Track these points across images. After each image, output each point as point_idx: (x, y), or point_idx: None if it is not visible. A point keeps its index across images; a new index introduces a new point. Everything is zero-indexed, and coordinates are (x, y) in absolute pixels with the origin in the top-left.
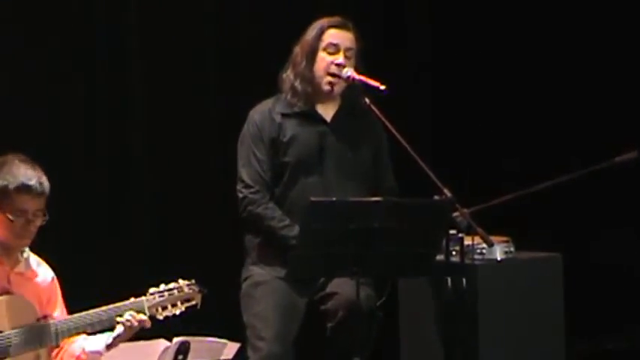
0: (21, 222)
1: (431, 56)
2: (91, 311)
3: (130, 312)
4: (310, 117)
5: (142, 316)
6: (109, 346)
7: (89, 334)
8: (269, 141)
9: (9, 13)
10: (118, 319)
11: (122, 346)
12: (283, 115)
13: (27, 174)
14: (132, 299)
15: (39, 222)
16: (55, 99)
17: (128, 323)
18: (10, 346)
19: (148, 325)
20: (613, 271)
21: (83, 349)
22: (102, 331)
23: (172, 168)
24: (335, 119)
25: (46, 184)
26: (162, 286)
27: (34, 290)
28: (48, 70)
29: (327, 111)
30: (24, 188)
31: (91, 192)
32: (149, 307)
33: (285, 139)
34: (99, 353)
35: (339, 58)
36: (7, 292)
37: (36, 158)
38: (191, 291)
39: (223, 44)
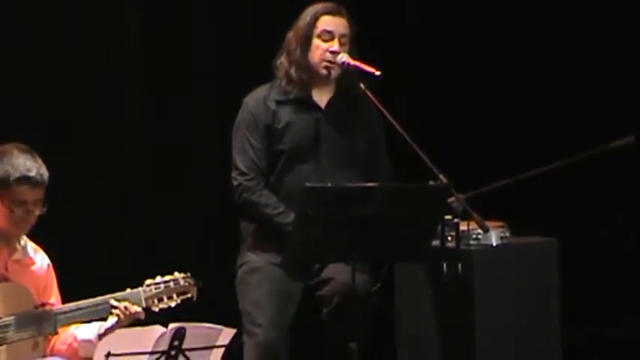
0: (20, 212)
1: (425, 40)
2: (89, 300)
3: (126, 302)
4: (305, 104)
5: (136, 308)
6: (100, 336)
7: (83, 323)
8: (264, 128)
9: (9, 12)
10: (113, 310)
11: (118, 332)
12: (278, 102)
13: (27, 165)
14: (128, 290)
15: (38, 211)
16: (54, 98)
17: (121, 312)
18: (8, 332)
19: (142, 317)
20: (610, 258)
21: (75, 337)
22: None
23: (168, 155)
24: (330, 106)
25: (46, 174)
26: (159, 278)
27: (32, 277)
28: (49, 70)
29: (321, 97)
30: (24, 179)
31: (89, 182)
32: (146, 299)
33: (279, 127)
34: (90, 342)
35: (334, 46)
36: (5, 279)
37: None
38: (187, 284)
39: (221, 38)
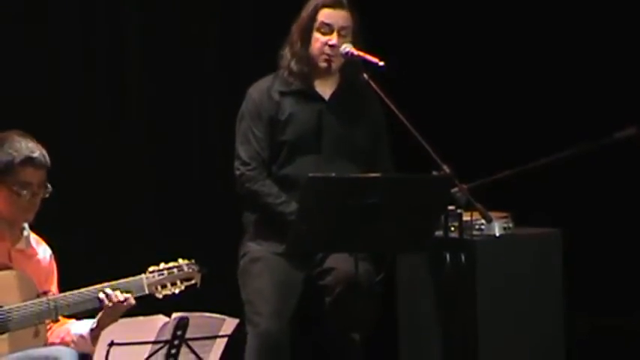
0: (27, 196)
1: (428, 30)
2: (89, 288)
3: (117, 291)
4: (308, 95)
5: (125, 295)
6: (93, 330)
7: (85, 313)
8: (267, 119)
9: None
10: (105, 301)
11: (121, 321)
12: (281, 93)
13: (29, 147)
14: (131, 277)
15: (42, 194)
16: (54, 94)
17: (108, 302)
18: (9, 320)
19: (132, 302)
20: (612, 248)
21: (68, 332)
22: (92, 316)
23: (171, 145)
24: (333, 97)
25: (47, 157)
26: (162, 265)
27: (34, 267)
28: (48, 68)
29: (325, 89)
30: (29, 161)
31: (91, 171)
32: (148, 285)
33: (283, 118)
34: (82, 337)
35: (333, 39)
36: (8, 269)
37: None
38: (191, 270)
39: (223, 22)
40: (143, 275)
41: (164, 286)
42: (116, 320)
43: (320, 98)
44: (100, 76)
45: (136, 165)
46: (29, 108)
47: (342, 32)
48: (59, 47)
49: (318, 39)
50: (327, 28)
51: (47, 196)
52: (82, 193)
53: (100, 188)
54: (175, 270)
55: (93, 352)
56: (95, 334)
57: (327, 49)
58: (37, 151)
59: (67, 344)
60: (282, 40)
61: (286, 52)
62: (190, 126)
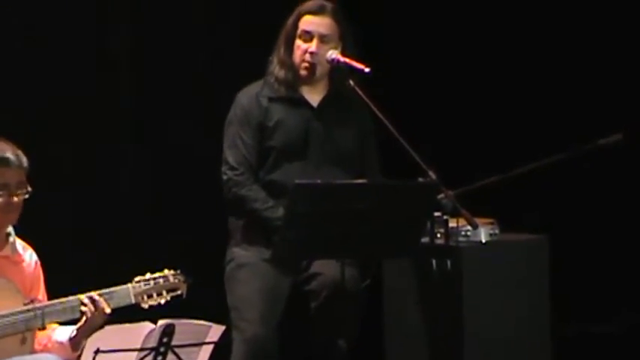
0: (5, 197)
1: (414, 36)
2: (76, 296)
3: (100, 298)
4: (297, 102)
5: (99, 302)
6: (72, 339)
7: (69, 322)
8: (255, 124)
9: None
10: (82, 307)
11: (107, 328)
12: (270, 99)
13: (2, 148)
14: (117, 286)
15: (22, 195)
16: (52, 91)
17: (89, 309)
18: None
19: (107, 311)
20: (598, 254)
21: (49, 338)
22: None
23: (159, 151)
24: (322, 104)
25: (23, 157)
26: (148, 275)
27: (21, 274)
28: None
29: (313, 96)
30: (2, 161)
31: (79, 177)
32: (135, 295)
33: (271, 124)
34: (62, 344)
35: (312, 47)
36: None
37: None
38: (176, 280)
39: (213, 24)
40: (129, 285)
41: (150, 296)
42: (95, 328)
43: (308, 105)
44: (89, 77)
45: (122, 172)
46: (20, 110)
47: (324, 39)
48: (52, 47)
49: (300, 46)
50: (308, 36)
51: (27, 196)
52: (69, 201)
53: (87, 196)
54: (161, 280)
55: (73, 359)
56: (74, 341)
57: (307, 57)
58: (8, 151)
59: (49, 351)
60: (271, 44)
61: (273, 58)
62: (178, 131)
